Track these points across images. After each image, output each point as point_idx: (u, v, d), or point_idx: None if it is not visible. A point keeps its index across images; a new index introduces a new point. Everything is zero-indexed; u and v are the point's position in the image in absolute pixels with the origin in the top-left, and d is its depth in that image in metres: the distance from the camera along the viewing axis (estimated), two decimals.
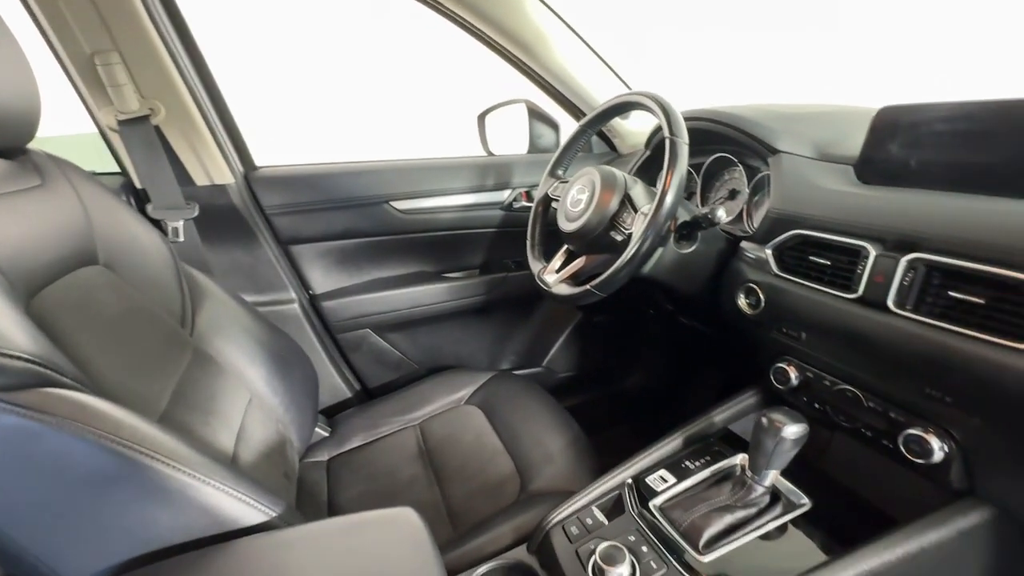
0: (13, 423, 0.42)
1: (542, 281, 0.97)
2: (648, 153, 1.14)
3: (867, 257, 0.63)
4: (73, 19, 0.84)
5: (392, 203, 1.22)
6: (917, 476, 0.63)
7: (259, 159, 1.15)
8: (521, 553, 0.71)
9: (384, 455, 1.05)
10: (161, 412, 0.66)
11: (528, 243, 1.05)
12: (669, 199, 0.73)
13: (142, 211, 0.98)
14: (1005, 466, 0.56)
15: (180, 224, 0.99)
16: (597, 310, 1.50)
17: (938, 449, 0.59)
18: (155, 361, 0.72)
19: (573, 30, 1.15)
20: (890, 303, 0.60)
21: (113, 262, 0.74)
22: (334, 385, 1.27)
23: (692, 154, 1.06)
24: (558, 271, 0.96)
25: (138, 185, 1.00)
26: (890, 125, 0.68)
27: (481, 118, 1.38)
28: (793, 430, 0.60)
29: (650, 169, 1.14)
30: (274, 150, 1.30)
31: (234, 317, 0.92)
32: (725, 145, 0.98)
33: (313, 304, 1.23)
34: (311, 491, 0.97)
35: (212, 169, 1.03)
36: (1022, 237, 0.51)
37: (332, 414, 1.18)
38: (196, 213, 1.01)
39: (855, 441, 0.71)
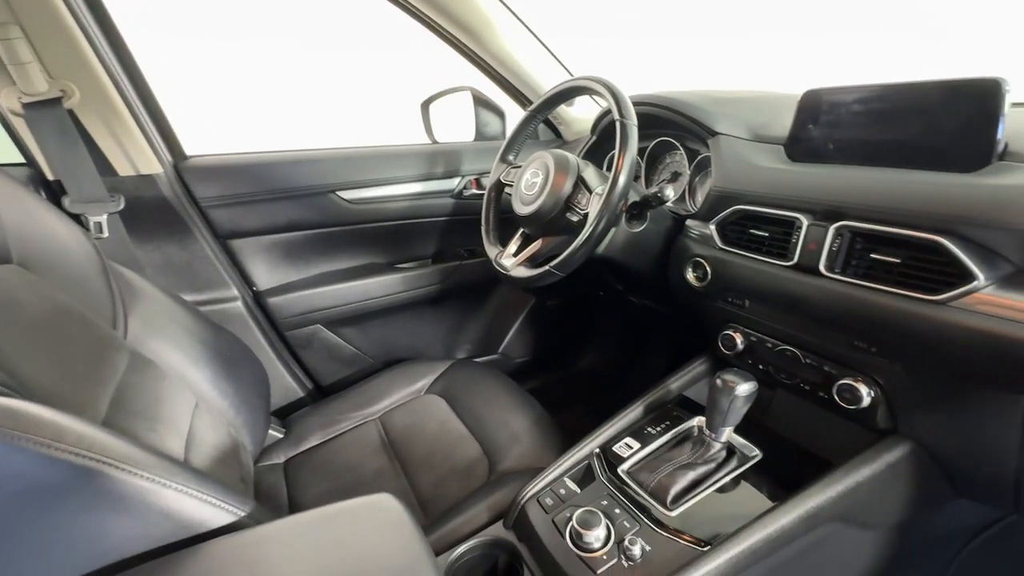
0: None
1: (500, 265, 0.97)
2: (595, 138, 1.17)
3: (800, 227, 0.69)
4: None
5: (338, 193, 1.17)
6: (849, 421, 0.70)
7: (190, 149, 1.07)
8: (498, 529, 0.72)
9: (345, 451, 1.02)
10: (102, 420, 0.61)
11: (483, 228, 1.05)
12: (622, 179, 0.76)
13: (57, 205, 0.89)
14: (920, 405, 0.64)
15: (103, 219, 0.90)
16: (550, 295, 1.53)
17: (866, 395, 0.66)
18: (88, 366, 0.66)
19: (518, 17, 1.16)
20: (822, 267, 0.67)
21: (29, 261, 0.67)
22: (285, 385, 1.22)
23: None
24: (515, 255, 0.97)
25: (50, 176, 0.90)
26: (813, 107, 0.75)
27: (425, 106, 1.36)
28: (745, 388, 0.65)
29: (597, 153, 1.18)
30: (204, 139, 1.21)
31: (172, 317, 0.86)
32: (667, 129, 1.04)
33: (258, 301, 1.17)
34: (269, 494, 0.93)
35: (137, 158, 0.95)
36: (927, 203, 0.59)
37: (285, 415, 1.13)
38: (121, 206, 0.93)
39: (795, 396, 0.79)
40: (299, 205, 1.14)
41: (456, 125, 1.38)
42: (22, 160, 0.92)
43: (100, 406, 0.63)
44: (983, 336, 0.53)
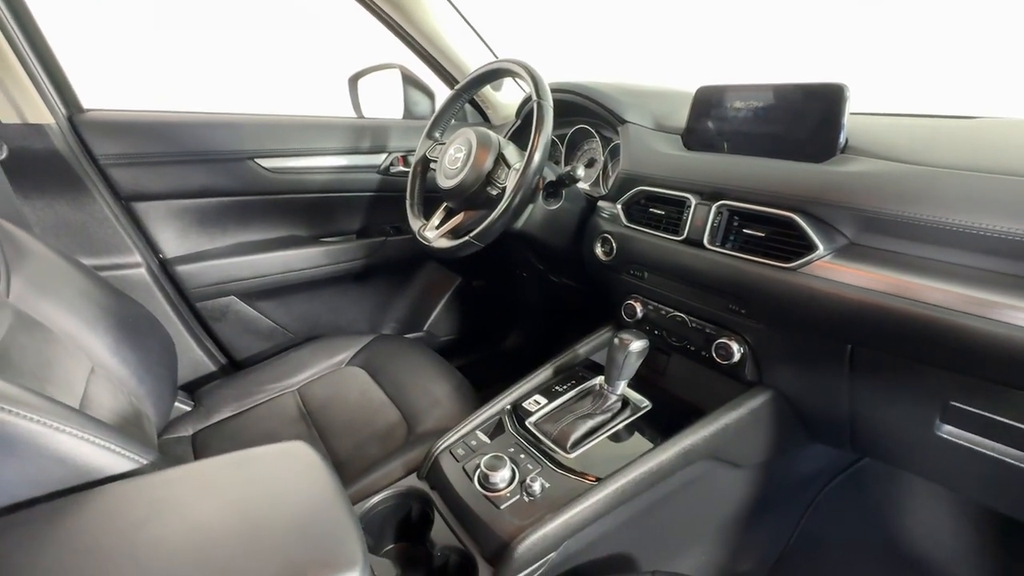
0: None
1: (423, 238, 1.00)
2: (519, 122, 1.23)
3: (689, 206, 0.79)
4: None
5: (257, 160, 1.14)
6: (724, 376, 0.81)
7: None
8: (412, 480, 0.75)
9: (260, 423, 1.00)
10: None
11: (407, 202, 1.07)
12: (537, 155, 0.82)
13: None
14: (779, 358, 0.75)
15: None
16: (475, 275, 1.58)
17: (737, 351, 0.77)
18: None
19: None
20: (705, 241, 0.76)
21: None
22: (195, 358, 1.17)
23: (557, 124, 1.17)
24: (438, 227, 1.00)
25: None
26: (705, 102, 0.85)
27: (353, 81, 1.35)
28: (637, 345, 0.74)
29: (521, 136, 1.23)
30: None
31: (66, 279, 0.80)
32: (584, 116, 1.11)
33: (165, 269, 1.11)
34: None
35: (24, 105, 0.87)
36: (784, 186, 0.70)
37: (194, 389, 1.09)
38: (3, 155, 0.85)
39: (684, 357, 0.89)
40: (213, 170, 1.10)
41: (384, 103, 1.38)
42: None
43: None
44: (821, 295, 0.64)
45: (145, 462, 0.53)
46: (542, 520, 0.62)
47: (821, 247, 0.64)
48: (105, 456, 0.50)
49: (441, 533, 0.67)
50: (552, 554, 0.62)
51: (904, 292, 0.58)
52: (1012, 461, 0.59)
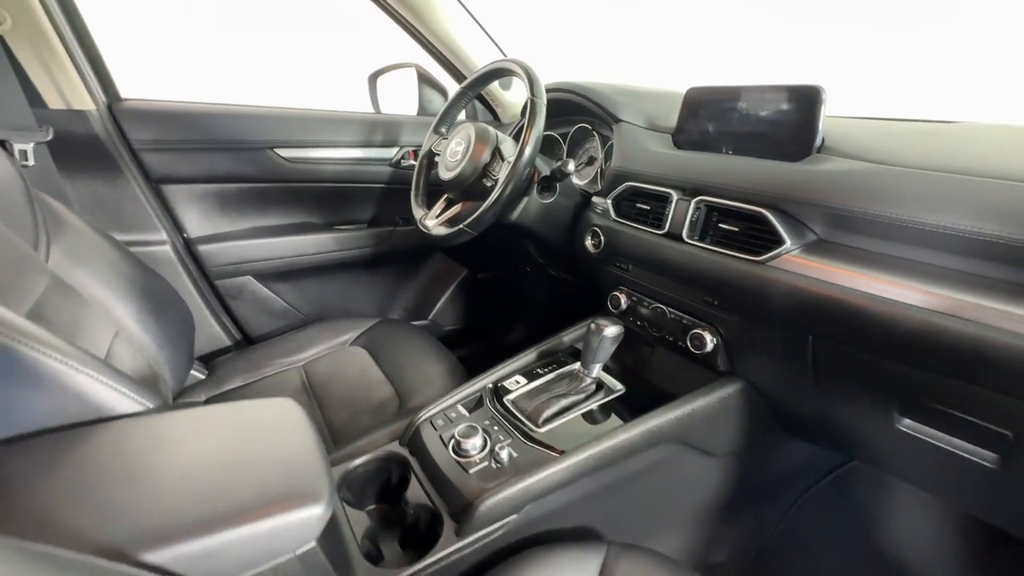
0: None
1: (423, 226, 1.06)
2: (524, 121, 1.27)
3: (671, 202, 0.82)
4: None
5: (276, 150, 1.22)
6: (700, 367, 0.84)
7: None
8: (394, 447, 0.81)
9: (266, 393, 1.07)
10: None
11: (412, 192, 1.13)
12: (528, 149, 0.87)
13: None
14: (749, 350, 0.78)
15: (29, 147, 0.92)
16: (480, 267, 1.63)
17: (710, 342, 0.79)
18: (5, 274, 0.69)
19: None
20: (684, 235, 0.80)
21: None
22: (212, 332, 1.25)
23: (559, 123, 1.22)
24: (438, 216, 1.06)
25: None
26: (695, 103, 0.88)
27: (372, 79, 1.42)
28: (611, 330, 0.77)
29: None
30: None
31: (99, 252, 0.89)
32: (583, 116, 1.15)
33: (188, 247, 1.20)
34: None
35: (69, 93, 0.97)
36: (759, 183, 0.72)
37: (209, 360, 1.17)
38: (49, 137, 0.94)
39: (664, 348, 0.92)
40: (236, 157, 1.18)
41: (401, 100, 1.45)
42: None
43: (18, 313, 0.66)
44: (788, 288, 0.67)
45: (151, 406, 0.60)
46: (505, 483, 0.66)
47: (788, 242, 0.67)
48: (118, 398, 0.57)
49: (415, 493, 0.72)
50: (513, 516, 0.67)
51: (865, 287, 0.60)
52: (968, 456, 0.60)
